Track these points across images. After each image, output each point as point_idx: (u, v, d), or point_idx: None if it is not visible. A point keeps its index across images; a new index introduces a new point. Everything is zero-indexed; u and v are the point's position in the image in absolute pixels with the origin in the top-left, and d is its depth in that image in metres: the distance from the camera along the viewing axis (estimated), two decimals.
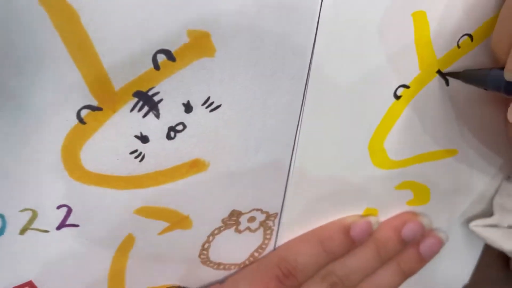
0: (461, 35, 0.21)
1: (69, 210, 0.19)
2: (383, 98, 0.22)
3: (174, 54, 0.17)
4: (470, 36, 0.22)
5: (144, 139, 0.18)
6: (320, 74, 0.20)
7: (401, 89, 0.22)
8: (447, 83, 0.23)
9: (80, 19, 0.15)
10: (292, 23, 0.18)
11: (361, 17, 0.19)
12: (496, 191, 0.29)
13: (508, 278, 0.34)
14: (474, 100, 0.24)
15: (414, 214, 0.27)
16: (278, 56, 0.19)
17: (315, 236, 0.25)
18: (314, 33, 0.19)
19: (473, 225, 0.28)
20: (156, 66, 0.17)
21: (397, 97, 0.22)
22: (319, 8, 0.18)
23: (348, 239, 0.25)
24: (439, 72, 0.22)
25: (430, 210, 0.28)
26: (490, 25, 0.21)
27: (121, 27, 0.16)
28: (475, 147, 0.26)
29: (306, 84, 0.20)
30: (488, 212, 0.30)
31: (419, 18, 0.20)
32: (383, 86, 0.22)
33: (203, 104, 0.18)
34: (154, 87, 0.17)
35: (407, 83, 0.22)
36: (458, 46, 0.22)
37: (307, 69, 0.20)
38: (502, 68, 0.19)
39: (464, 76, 0.22)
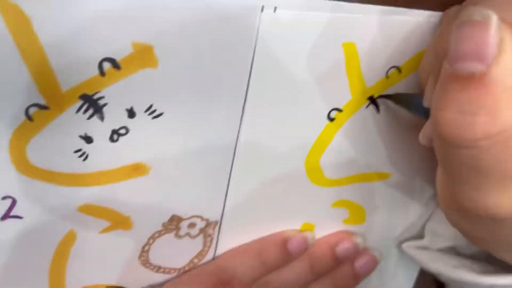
0: (390, 67, 0.24)
1: (14, 202, 0.20)
2: (318, 120, 0.24)
3: (119, 63, 0.19)
4: (398, 68, 0.24)
5: (88, 139, 0.20)
6: (257, 93, 0.22)
7: (334, 112, 0.24)
8: (377, 110, 0.25)
9: (32, 25, 0.17)
10: (230, 46, 0.20)
11: (295, 43, 0.21)
12: (430, 217, 0.31)
13: None
14: (405, 127, 0.26)
15: (349, 233, 0.29)
16: (218, 73, 0.21)
17: (254, 247, 0.27)
18: (252, 55, 0.21)
19: (405, 246, 0.30)
20: (102, 73, 0.19)
21: (331, 119, 0.24)
22: (255, 33, 0.20)
23: (285, 252, 0.27)
24: (370, 98, 0.25)
25: (366, 230, 0.30)
26: (417, 59, 0.24)
27: (70, 35, 0.17)
28: (407, 173, 0.29)
29: (244, 102, 0.22)
30: (422, 236, 0.31)
31: (349, 48, 0.22)
32: (317, 108, 0.24)
33: (145, 111, 0.20)
34: (100, 91, 0.19)
35: (340, 107, 0.24)
36: (387, 77, 0.24)
37: (246, 87, 0.22)
38: None
39: (394, 98, 0.24)
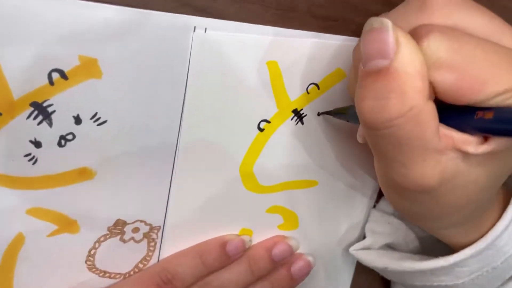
0: (309, 83, 0.27)
1: None
2: (249, 130, 0.27)
3: (67, 74, 0.21)
4: (316, 85, 0.28)
5: (37, 144, 0.22)
6: (193, 105, 0.25)
7: (263, 123, 0.27)
8: (301, 122, 0.29)
9: None
10: (167, 61, 0.23)
11: (225, 61, 0.24)
12: (368, 218, 0.34)
13: None
14: (330, 138, 0.30)
15: (284, 237, 0.32)
16: (157, 86, 0.23)
17: (195, 250, 0.29)
18: (187, 70, 0.24)
19: (352, 249, 0.33)
20: (51, 82, 0.21)
21: (261, 130, 0.28)
22: (189, 50, 0.23)
23: (224, 254, 0.29)
24: (295, 111, 0.28)
25: (302, 236, 0.33)
26: (332, 77, 0.28)
27: (22, 47, 0.20)
28: (334, 180, 0.32)
29: (181, 113, 0.25)
30: (363, 237, 0.34)
31: (273, 66, 0.26)
32: (248, 119, 0.27)
33: (91, 118, 0.23)
34: (48, 99, 0.21)
35: (268, 119, 0.27)
36: (308, 92, 0.28)
37: (182, 100, 0.24)
38: None
39: (333, 112, 0.28)
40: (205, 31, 0.23)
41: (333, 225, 0.34)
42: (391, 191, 0.23)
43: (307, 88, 0.28)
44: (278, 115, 0.28)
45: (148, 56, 0.23)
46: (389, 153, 0.20)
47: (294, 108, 0.28)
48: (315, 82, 0.28)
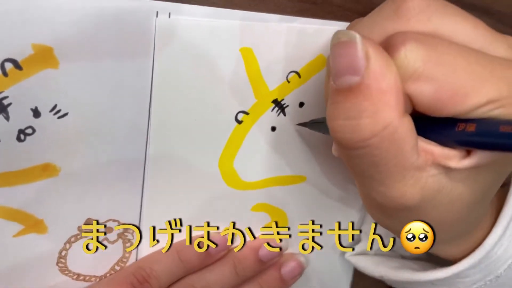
0: (289, 71, 0.26)
1: None
2: (226, 122, 0.26)
3: (20, 63, 0.20)
4: (297, 73, 0.26)
5: None
6: (161, 96, 0.24)
7: (241, 114, 0.26)
8: (283, 113, 0.27)
9: None
10: (129, 49, 0.22)
11: (193, 48, 0.23)
12: (364, 220, 0.32)
13: None
14: (315, 133, 0.28)
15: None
16: (118, 74, 0.22)
17: (173, 247, 0.27)
18: (151, 59, 0.23)
19: (347, 255, 0.31)
20: (4, 73, 0.20)
21: (239, 122, 0.26)
22: (153, 37, 0.22)
23: (203, 251, 0.27)
24: (275, 101, 0.26)
25: (292, 235, 0.31)
26: (314, 64, 0.26)
27: None
28: (325, 175, 0.30)
29: (150, 105, 0.24)
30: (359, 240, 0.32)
31: (247, 53, 0.24)
32: (225, 111, 0.26)
33: (50, 111, 0.22)
34: (3, 91, 0.20)
35: (246, 110, 0.26)
36: (288, 81, 0.26)
37: (150, 89, 0.23)
38: None
39: (309, 125, 0.26)
40: (169, 16, 0.22)
41: (326, 225, 0.32)
42: (373, 209, 0.21)
43: (287, 76, 0.26)
44: (257, 106, 0.26)
45: (108, 44, 0.21)
46: (366, 172, 0.19)
47: (274, 98, 0.26)
48: (295, 70, 0.26)
